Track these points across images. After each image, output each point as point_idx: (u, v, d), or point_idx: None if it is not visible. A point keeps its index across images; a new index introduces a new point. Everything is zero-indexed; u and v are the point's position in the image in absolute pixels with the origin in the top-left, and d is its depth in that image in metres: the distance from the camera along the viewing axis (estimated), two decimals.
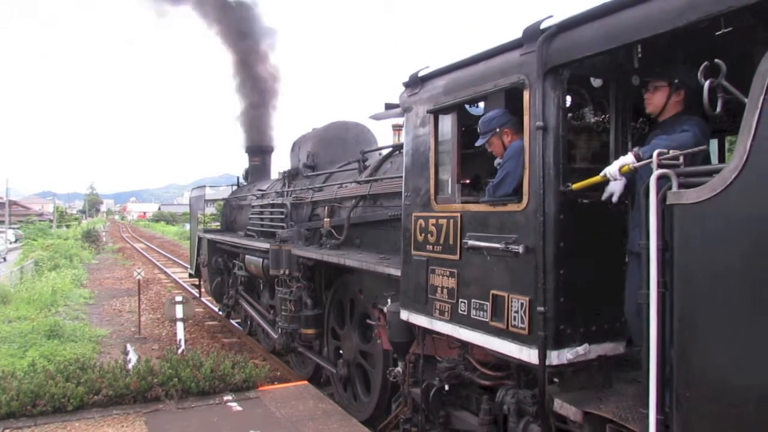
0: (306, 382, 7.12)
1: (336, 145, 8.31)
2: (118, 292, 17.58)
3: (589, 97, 3.73)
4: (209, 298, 13.47)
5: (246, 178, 12.57)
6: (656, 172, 2.66)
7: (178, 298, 9.13)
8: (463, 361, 4.38)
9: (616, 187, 3.11)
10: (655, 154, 2.70)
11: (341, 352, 6.88)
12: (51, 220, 59.21)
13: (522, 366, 3.68)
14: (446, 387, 4.45)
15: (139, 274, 12.36)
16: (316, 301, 7.14)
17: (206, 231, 12.30)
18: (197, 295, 13.99)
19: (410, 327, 4.75)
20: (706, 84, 2.47)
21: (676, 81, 3.12)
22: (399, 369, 5.18)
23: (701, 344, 2.45)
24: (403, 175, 4.63)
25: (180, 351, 7.32)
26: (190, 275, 13.91)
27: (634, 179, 3.08)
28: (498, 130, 3.80)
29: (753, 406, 2.26)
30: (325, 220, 6.99)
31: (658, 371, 2.64)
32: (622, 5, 2.88)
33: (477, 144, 3.90)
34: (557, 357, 3.31)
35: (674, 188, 2.61)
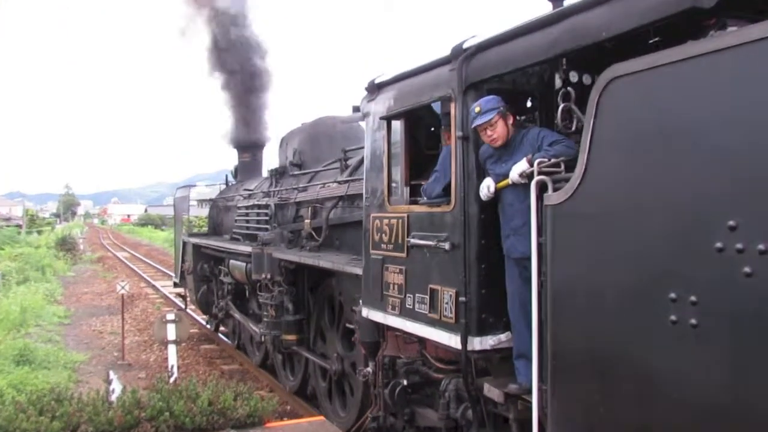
0: (322, 417, 7.59)
1: (323, 141, 9.70)
2: (98, 309, 18.65)
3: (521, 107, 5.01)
4: (195, 308, 14.92)
5: (235, 176, 14.06)
6: (536, 178, 3.93)
7: (170, 316, 9.57)
8: (421, 357, 5.69)
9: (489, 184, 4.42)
10: (535, 162, 3.98)
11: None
12: (20, 225, 61.97)
13: (467, 358, 4.95)
14: (405, 382, 5.75)
15: (122, 288, 12.89)
16: (298, 306, 8.52)
17: (191, 235, 13.79)
18: (182, 306, 15.50)
19: (378, 327, 6.07)
20: (560, 107, 3.74)
21: (501, 109, 4.35)
22: (369, 369, 6.49)
23: (563, 322, 3.72)
24: (364, 177, 5.96)
25: (172, 379, 7.71)
26: (175, 284, 15.42)
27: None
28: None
29: (594, 367, 3.52)
30: (306, 221, 8.37)
31: (539, 348, 3.91)
32: (514, 35, 4.18)
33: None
34: (480, 343, 4.60)
35: (549, 191, 3.87)
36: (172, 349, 9.57)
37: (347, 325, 7.40)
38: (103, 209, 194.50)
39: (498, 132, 4.40)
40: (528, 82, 4.75)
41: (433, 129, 5.98)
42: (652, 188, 3.17)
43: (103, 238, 68.36)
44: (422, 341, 5.49)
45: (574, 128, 3.82)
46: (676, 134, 3.01)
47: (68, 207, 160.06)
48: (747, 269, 2.71)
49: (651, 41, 3.69)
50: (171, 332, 9.44)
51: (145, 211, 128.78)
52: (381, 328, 6.04)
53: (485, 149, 4.55)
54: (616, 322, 3.38)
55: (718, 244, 2.81)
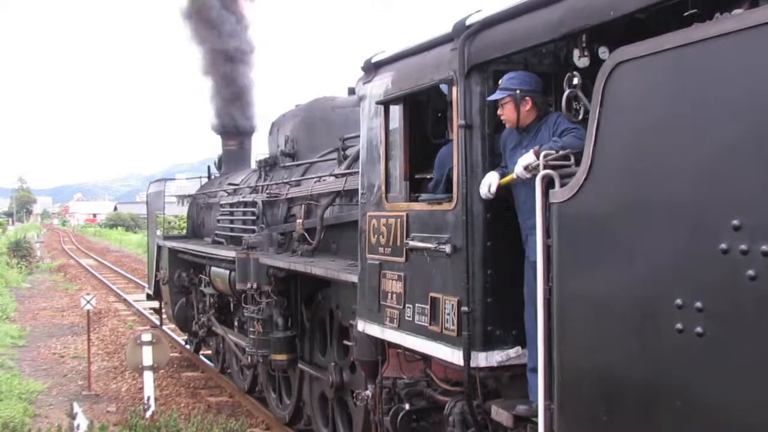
0: None
1: (319, 127, 10.14)
2: (59, 328, 19.23)
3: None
4: (174, 327, 15.42)
5: (219, 167, 14.56)
6: (541, 173, 4.31)
7: (146, 337, 9.72)
8: (425, 377, 6.08)
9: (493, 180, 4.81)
10: (541, 155, 4.37)
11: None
12: None
13: (471, 376, 5.35)
14: (407, 407, 6.15)
15: (88, 302, 13.02)
16: (290, 320, 8.95)
17: (166, 237, 14.32)
18: (157, 323, 16.02)
19: (377, 343, 6.46)
20: (565, 94, 4.13)
21: (518, 91, 4.75)
22: (368, 393, 6.90)
23: (572, 333, 4.10)
24: (360, 170, 6.38)
25: (148, 414, 7.94)
26: (149, 296, 15.94)
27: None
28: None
29: (602, 383, 3.91)
30: (298, 221, 8.81)
31: (545, 361, 4.30)
32: (520, 11, 4.58)
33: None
34: (485, 359, 4.99)
35: (556, 188, 4.26)
36: (148, 377, 9.74)
37: (345, 342, 7.80)
38: (65, 207, 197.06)
39: (506, 114, 4.84)
40: (540, 62, 5.14)
41: (440, 114, 6.38)
42: (657, 185, 3.55)
43: (65, 241, 69.38)
44: (427, 359, 5.88)
45: (581, 117, 4.20)
46: (677, 126, 3.39)
47: (23, 204, 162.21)
48: (750, 272, 3.07)
49: (686, 14, 4.06)
50: (147, 356, 9.57)
51: (115, 209, 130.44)
52: (381, 345, 6.43)
53: (506, 134, 4.98)
54: (625, 332, 3.76)
55: (723, 245, 3.18)
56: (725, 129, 3.22)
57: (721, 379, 3.25)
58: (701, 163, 3.31)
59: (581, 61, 4.66)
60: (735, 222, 3.13)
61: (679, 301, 3.40)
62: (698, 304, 3.31)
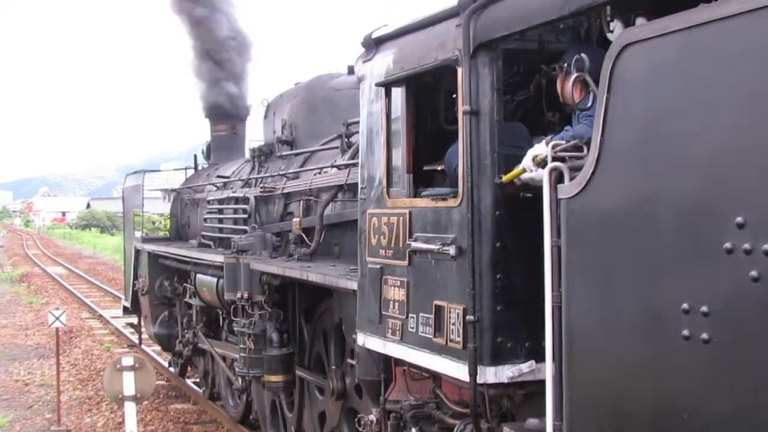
0: None
1: (321, 110, 10.55)
2: (23, 350, 19.71)
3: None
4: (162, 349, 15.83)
5: (208, 156, 15.07)
6: (549, 165, 4.77)
7: (127, 362, 9.75)
8: (435, 398, 6.54)
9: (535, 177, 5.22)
10: (549, 146, 4.82)
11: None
12: None
13: (477, 393, 5.80)
14: (413, 431, 6.62)
15: (56, 319, 13.14)
16: (287, 335, 9.43)
17: (146, 240, 14.82)
18: (136, 341, 16.48)
19: (380, 359, 6.92)
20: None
21: (566, 65, 5.17)
22: (372, 417, 7.37)
23: (580, 345, 4.56)
24: (360, 161, 6.85)
25: None
26: (125, 310, 16.40)
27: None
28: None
29: (613, 398, 4.36)
30: (295, 220, 9.29)
31: (554, 376, 4.75)
32: None
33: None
34: (495, 374, 5.44)
35: (566, 182, 4.71)
36: (130, 409, 9.94)
37: (349, 360, 8.24)
38: (28, 204, 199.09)
39: (559, 89, 5.32)
40: (557, 39, 5.59)
41: (455, 96, 6.82)
42: (662, 178, 3.99)
43: (29, 245, 70.44)
44: (437, 378, 6.33)
45: (590, 103, 4.66)
46: (681, 114, 3.84)
47: None
48: (754, 273, 3.51)
49: None
50: (128, 384, 9.68)
51: (88, 206, 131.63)
52: (386, 362, 6.88)
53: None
54: (634, 341, 4.21)
55: (727, 245, 3.62)
56: (727, 117, 3.64)
57: (726, 387, 3.68)
58: (704, 154, 3.75)
59: (612, 35, 5.11)
60: (739, 219, 3.56)
61: (685, 306, 3.83)
62: (704, 309, 3.73)
